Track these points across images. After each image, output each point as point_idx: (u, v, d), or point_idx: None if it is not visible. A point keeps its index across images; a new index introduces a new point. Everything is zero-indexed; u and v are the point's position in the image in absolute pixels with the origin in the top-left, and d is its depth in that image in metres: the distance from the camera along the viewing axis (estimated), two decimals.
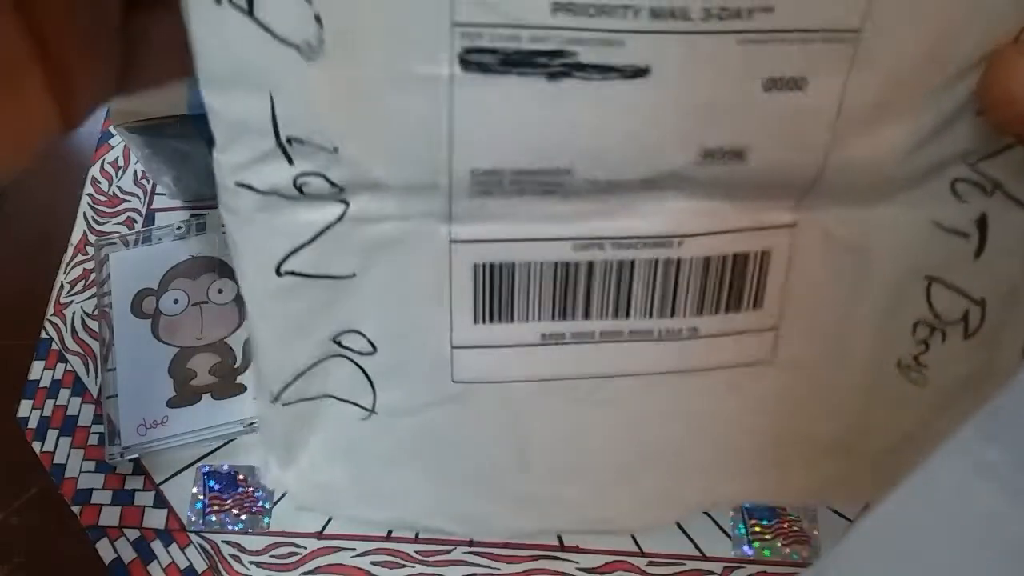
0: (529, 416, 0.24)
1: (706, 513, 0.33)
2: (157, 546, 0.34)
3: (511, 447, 0.25)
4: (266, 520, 0.34)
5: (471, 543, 0.33)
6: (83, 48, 0.18)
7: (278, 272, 0.21)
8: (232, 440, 0.36)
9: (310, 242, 0.21)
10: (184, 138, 0.36)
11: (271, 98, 0.18)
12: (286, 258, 0.21)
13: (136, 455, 0.35)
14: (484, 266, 0.22)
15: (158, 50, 0.20)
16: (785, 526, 0.33)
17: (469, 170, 0.20)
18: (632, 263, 0.22)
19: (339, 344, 0.23)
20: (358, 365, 0.23)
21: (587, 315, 0.23)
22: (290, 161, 0.19)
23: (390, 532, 0.34)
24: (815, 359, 0.24)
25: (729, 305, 0.23)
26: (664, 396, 0.24)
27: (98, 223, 0.41)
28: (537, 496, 0.25)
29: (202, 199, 0.41)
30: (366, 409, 0.24)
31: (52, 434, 0.36)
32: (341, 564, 0.33)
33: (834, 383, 0.24)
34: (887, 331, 0.23)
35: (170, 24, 0.18)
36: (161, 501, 0.35)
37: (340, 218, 0.21)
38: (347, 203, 0.21)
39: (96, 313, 0.38)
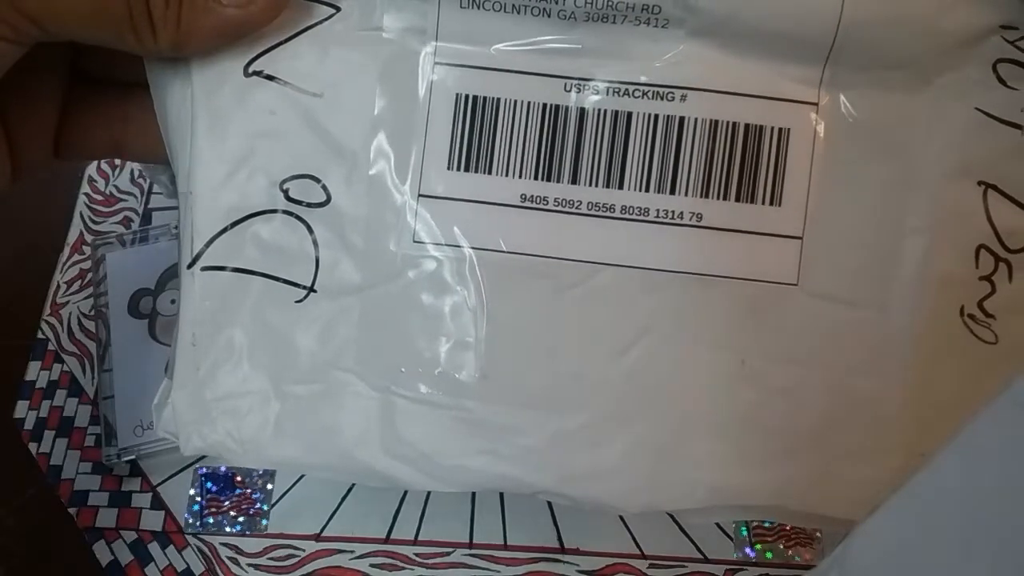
0: (496, 302, 0.21)
1: None
2: (154, 548, 0.33)
3: (469, 345, 0.21)
4: (264, 522, 0.34)
5: (471, 544, 0.33)
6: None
7: (246, 71, 0.20)
8: None
9: (287, 41, 0.19)
10: None
11: None
12: (259, 56, 0.19)
13: (133, 456, 0.34)
14: (467, 98, 0.21)
15: (146, 130, 0.22)
16: (788, 528, 0.33)
17: None
18: (629, 116, 0.20)
19: (285, 193, 0.21)
20: (303, 221, 0.21)
21: (575, 178, 0.21)
22: None
23: (389, 534, 0.33)
24: (854, 291, 0.20)
25: (741, 191, 0.21)
26: (664, 303, 0.21)
27: (95, 223, 0.41)
28: (490, 423, 0.21)
29: None
30: (303, 287, 0.21)
31: (48, 435, 0.36)
32: (339, 566, 0.33)
33: (880, 327, 0.20)
34: (944, 259, 0.20)
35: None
36: (158, 503, 0.34)
37: (323, 19, 0.20)
38: (336, 7, 0.19)
39: (93, 313, 0.38)
